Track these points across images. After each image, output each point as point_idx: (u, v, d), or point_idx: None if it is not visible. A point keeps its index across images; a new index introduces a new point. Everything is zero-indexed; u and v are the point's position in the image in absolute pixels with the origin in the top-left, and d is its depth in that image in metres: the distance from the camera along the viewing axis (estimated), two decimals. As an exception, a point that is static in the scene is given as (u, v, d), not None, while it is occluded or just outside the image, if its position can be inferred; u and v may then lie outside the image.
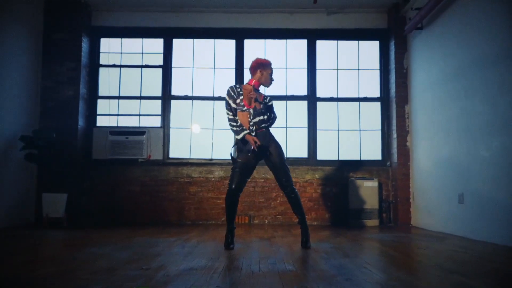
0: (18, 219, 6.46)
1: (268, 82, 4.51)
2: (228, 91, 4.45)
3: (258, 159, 4.45)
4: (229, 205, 4.37)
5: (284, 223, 7.05)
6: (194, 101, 7.42)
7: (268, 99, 4.52)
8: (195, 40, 7.53)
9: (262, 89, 4.81)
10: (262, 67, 4.48)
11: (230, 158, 4.56)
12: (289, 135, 7.37)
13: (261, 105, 4.39)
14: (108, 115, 7.43)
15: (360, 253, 4.06)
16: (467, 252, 4.13)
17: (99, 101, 7.44)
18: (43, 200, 6.45)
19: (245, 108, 4.38)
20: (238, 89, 4.43)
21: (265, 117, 4.41)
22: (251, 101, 4.39)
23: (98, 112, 7.42)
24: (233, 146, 4.51)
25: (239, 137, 4.36)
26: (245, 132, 4.34)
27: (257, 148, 4.29)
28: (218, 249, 4.25)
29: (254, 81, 4.49)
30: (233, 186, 4.31)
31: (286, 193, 4.44)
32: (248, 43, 7.50)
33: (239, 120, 4.39)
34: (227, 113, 4.44)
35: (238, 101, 4.38)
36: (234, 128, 4.39)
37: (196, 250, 4.14)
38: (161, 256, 3.78)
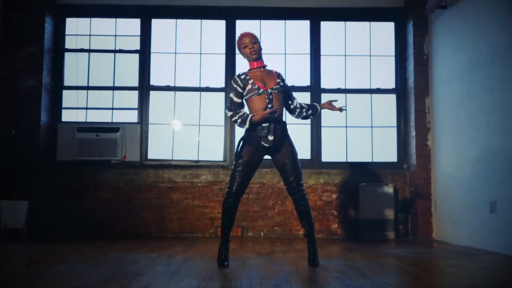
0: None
1: (250, 56, 4.40)
2: (232, 84, 4.38)
3: (265, 153, 4.41)
4: (227, 213, 4.33)
5: (283, 236, 6.95)
6: (177, 93, 7.30)
7: (282, 80, 4.48)
8: (178, 20, 7.40)
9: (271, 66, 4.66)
10: (238, 47, 4.46)
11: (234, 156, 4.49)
12: (289, 133, 7.18)
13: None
14: (76, 108, 7.29)
15: (379, 272, 3.96)
16: (503, 270, 4.05)
17: (65, 92, 7.29)
18: (1, 208, 6.29)
19: (262, 90, 4.30)
20: (243, 76, 4.37)
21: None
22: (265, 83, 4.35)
23: (64, 105, 7.27)
24: (240, 141, 4.38)
25: (246, 126, 4.26)
26: (250, 115, 4.23)
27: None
28: (210, 267, 4.15)
29: (253, 63, 4.42)
30: (234, 189, 4.26)
31: (295, 199, 4.40)
32: (241, 24, 7.37)
33: (242, 111, 4.32)
34: (227, 113, 4.37)
35: (249, 87, 4.30)
36: (239, 120, 4.28)
37: (184, 268, 4.04)
38: (143, 275, 3.66)
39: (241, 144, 4.33)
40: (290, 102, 4.61)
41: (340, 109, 4.75)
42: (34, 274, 3.74)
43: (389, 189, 6.81)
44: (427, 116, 6.94)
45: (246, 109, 4.44)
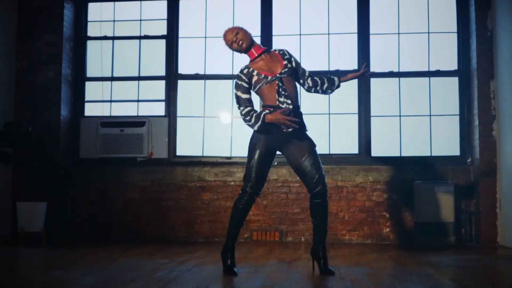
0: (-11, 234, 6.97)
1: (241, 48, 4.67)
2: (237, 82, 4.59)
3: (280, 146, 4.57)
4: (240, 213, 4.63)
5: (327, 241, 7.14)
6: (208, 81, 7.65)
7: (289, 59, 4.63)
8: (208, 0, 7.78)
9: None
10: (229, 47, 4.77)
11: None
12: (333, 123, 7.47)
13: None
14: (99, 101, 7.81)
15: (402, 281, 4.09)
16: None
17: (88, 84, 7.82)
18: (17, 210, 6.88)
19: (270, 77, 4.51)
20: (246, 70, 4.60)
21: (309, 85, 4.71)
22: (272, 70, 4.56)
23: (86, 98, 7.80)
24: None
25: (256, 127, 4.46)
26: (264, 113, 4.41)
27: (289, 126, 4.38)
28: (214, 274, 4.42)
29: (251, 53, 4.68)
30: (250, 183, 4.53)
31: (313, 194, 4.60)
32: (278, 1, 7.68)
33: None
34: (241, 111, 4.54)
35: (255, 78, 4.53)
36: (251, 119, 4.47)
37: (186, 275, 4.34)
38: (135, 282, 3.99)
39: (258, 136, 4.55)
40: (302, 81, 4.75)
41: (365, 69, 4.88)
42: (28, 280, 4.14)
43: (450, 188, 6.87)
44: (492, 102, 6.94)
45: (256, 104, 4.77)
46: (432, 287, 3.92)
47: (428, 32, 7.51)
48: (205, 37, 7.76)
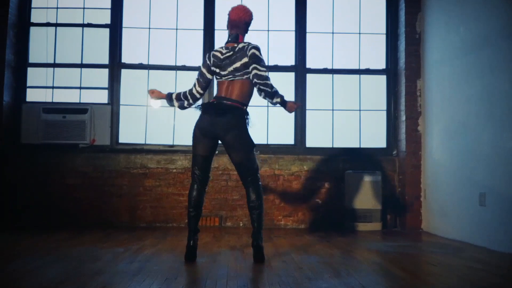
0: None
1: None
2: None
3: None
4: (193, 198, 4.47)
5: (264, 227, 6.94)
6: (151, 71, 7.29)
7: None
8: None
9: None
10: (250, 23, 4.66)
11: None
12: (271, 116, 7.31)
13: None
14: (41, 87, 7.25)
15: (355, 271, 4.00)
16: (487, 269, 4.12)
17: (30, 70, 7.25)
18: None
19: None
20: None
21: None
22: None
23: (29, 83, 7.24)
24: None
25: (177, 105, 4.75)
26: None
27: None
28: (176, 264, 4.18)
29: (242, 37, 4.57)
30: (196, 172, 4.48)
31: (248, 191, 4.55)
32: (220, -2, 7.42)
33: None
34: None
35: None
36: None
37: (149, 266, 4.07)
38: (102, 275, 3.69)
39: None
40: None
41: (298, 105, 4.99)
42: None
43: (377, 177, 6.87)
44: (418, 100, 6.97)
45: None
46: (387, 276, 3.88)
47: (359, 33, 7.44)
48: (149, 28, 7.34)
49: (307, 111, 7.29)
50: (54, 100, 7.21)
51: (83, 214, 6.95)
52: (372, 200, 6.83)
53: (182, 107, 4.73)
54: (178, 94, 4.72)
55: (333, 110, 7.33)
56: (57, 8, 7.30)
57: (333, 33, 7.40)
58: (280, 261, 4.37)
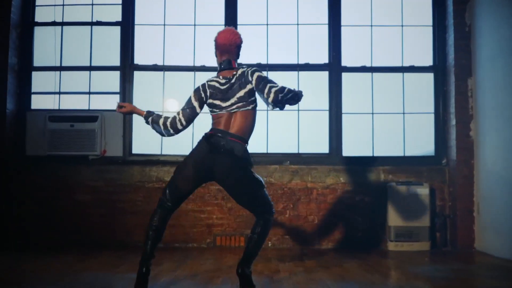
0: None
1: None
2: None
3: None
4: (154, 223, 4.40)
5: (295, 247, 6.98)
6: (167, 73, 7.31)
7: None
8: None
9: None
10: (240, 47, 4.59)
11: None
12: (302, 120, 7.29)
13: None
14: (47, 93, 7.36)
15: None
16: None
17: (34, 74, 7.36)
18: None
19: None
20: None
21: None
22: None
23: (33, 89, 7.36)
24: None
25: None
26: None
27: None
28: None
29: (235, 63, 4.54)
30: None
31: (258, 221, 4.44)
32: (244, -11, 7.43)
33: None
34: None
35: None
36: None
37: None
38: None
39: None
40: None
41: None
42: None
43: (424, 190, 6.78)
44: (470, 101, 6.86)
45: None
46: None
47: (402, 25, 7.35)
48: (164, 25, 7.38)
49: (343, 115, 7.23)
50: (61, 107, 7.31)
51: (94, 233, 7.01)
52: (418, 216, 6.75)
53: (158, 132, 4.59)
54: (158, 118, 4.52)
55: (372, 113, 7.27)
56: (63, 5, 7.39)
57: (371, 26, 7.35)
58: None
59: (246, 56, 7.20)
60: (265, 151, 7.25)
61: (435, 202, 7.02)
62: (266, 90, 4.20)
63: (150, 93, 7.33)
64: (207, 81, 4.48)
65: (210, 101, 4.41)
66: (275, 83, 4.26)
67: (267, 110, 7.18)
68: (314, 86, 7.32)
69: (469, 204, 6.80)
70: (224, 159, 4.21)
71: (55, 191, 7.10)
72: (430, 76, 7.30)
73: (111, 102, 7.27)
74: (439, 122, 7.23)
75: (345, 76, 7.30)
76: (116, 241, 6.99)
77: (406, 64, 7.31)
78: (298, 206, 7.02)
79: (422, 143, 7.28)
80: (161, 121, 4.47)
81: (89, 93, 7.34)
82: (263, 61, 7.33)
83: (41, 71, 7.39)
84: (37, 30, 7.42)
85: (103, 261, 5.71)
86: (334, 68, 7.29)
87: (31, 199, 7.08)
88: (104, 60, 7.38)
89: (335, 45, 7.32)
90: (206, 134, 4.36)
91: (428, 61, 7.32)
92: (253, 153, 6.97)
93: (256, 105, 4.42)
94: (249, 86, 4.33)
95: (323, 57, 7.34)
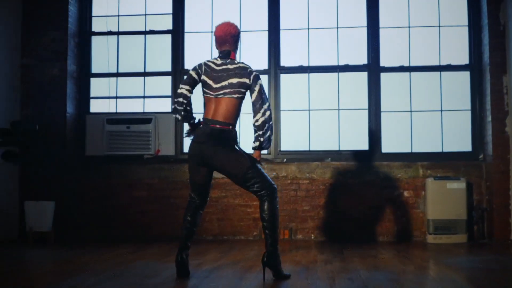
0: (-2, 234, 6.96)
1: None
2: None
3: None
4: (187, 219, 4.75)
5: (336, 239, 7.21)
6: (215, 77, 7.75)
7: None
8: None
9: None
10: (240, 37, 4.83)
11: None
12: (343, 119, 7.51)
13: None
14: (105, 98, 7.84)
15: None
16: None
17: (93, 80, 7.85)
18: (25, 210, 6.94)
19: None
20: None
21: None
22: None
23: (92, 94, 7.83)
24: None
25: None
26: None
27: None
28: (235, 280, 4.44)
29: (234, 54, 4.78)
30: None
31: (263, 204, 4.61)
32: (285, -2, 7.66)
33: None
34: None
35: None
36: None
37: (205, 282, 4.34)
38: None
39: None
40: None
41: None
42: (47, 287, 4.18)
43: (461, 184, 6.91)
44: (505, 98, 6.94)
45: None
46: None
47: (439, 26, 7.50)
48: (212, 32, 7.66)
49: (382, 114, 7.43)
50: (117, 110, 7.77)
51: (148, 227, 7.43)
52: (456, 209, 6.89)
53: (183, 117, 4.74)
54: (177, 111, 4.75)
55: (411, 111, 7.44)
56: (118, 16, 7.85)
57: (409, 27, 7.51)
58: (345, 279, 4.49)
59: (289, 59, 7.62)
60: (307, 149, 7.55)
61: (472, 196, 7.14)
62: (257, 115, 4.58)
63: (199, 96, 7.73)
64: (205, 61, 4.75)
65: (203, 77, 4.66)
66: (267, 108, 4.58)
67: (309, 110, 7.62)
68: (354, 86, 7.55)
69: (505, 198, 6.89)
70: (207, 144, 4.50)
71: (113, 189, 7.54)
72: (466, 75, 7.42)
73: (163, 105, 7.73)
74: (476, 119, 7.34)
75: (383, 76, 7.49)
76: (169, 234, 7.32)
77: (443, 63, 7.45)
78: (339, 201, 7.27)
79: (459, 139, 7.40)
80: (177, 107, 4.72)
81: (144, 97, 7.78)
82: (305, 63, 7.61)
83: (99, 77, 7.87)
84: (94, 39, 7.90)
85: (155, 253, 6.08)
86: (373, 68, 7.49)
87: (90, 196, 7.55)
88: (157, 66, 7.79)
89: (373, 46, 7.52)
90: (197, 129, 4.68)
91: (464, 59, 7.43)
92: (296, 151, 7.50)
93: (243, 98, 4.65)
94: (245, 80, 4.58)
95: (362, 58, 7.55)
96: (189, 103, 4.72)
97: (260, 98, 4.58)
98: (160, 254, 5.99)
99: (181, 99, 4.66)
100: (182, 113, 4.67)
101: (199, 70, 4.70)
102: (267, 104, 4.62)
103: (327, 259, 5.61)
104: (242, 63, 4.71)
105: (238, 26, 4.82)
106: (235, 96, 4.60)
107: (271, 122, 4.64)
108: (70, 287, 4.23)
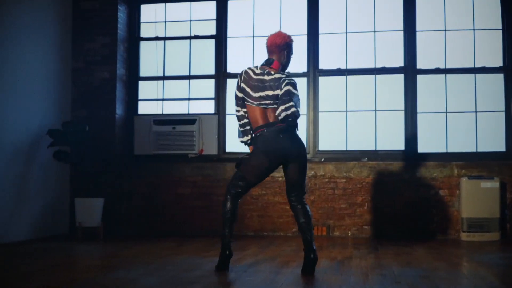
0: (49, 229, 7.39)
1: (288, 64, 4.95)
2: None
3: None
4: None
5: (372, 237, 7.45)
6: (256, 80, 8.08)
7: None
8: (256, 0, 8.06)
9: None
10: (290, 47, 4.91)
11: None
12: (379, 120, 7.70)
13: None
14: (152, 100, 8.20)
15: (454, 286, 4.21)
16: None
17: (141, 83, 8.21)
18: (76, 206, 7.26)
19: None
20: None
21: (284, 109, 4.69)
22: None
23: (140, 97, 8.20)
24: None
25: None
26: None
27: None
28: (271, 275, 4.60)
29: (278, 63, 4.85)
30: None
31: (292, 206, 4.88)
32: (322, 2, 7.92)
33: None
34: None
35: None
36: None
37: (243, 276, 4.53)
38: (196, 285, 4.16)
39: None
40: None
41: None
42: (91, 280, 4.41)
43: (495, 184, 7.05)
44: None
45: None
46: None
47: (474, 29, 7.62)
48: (253, 37, 8.03)
49: (418, 114, 7.60)
50: (164, 112, 8.11)
51: (192, 223, 7.75)
52: (489, 208, 7.04)
53: (241, 135, 5.03)
54: (244, 133, 5.03)
55: (446, 112, 7.59)
56: (165, 22, 8.19)
57: (445, 30, 7.66)
58: (378, 275, 4.64)
59: (327, 62, 7.82)
60: (344, 149, 7.78)
61: (505, 195, 7.26)
62: (281, 107, 4.67)
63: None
64: (246, 68, 4.90)
65: (242, 85, 4.81)
66: (296, 104, 4.67)
67: (346, 111, 7.94)
68: (390, 87, 7.71)
69: (538, 197, 6.93)
70: (288, 142, 4.76)
71: (160, 186, 7.88)
72: (500, 77, 7.54)
73: (207, 107, 8.07)
74: (509, 120, 7.44)
75: (420, 77, 7.66)
76: (211, 230, 7.64)
77: (477, 65, 7.59)
78: (375, 199, 7.48)
79: (493, 139, 7.53)
80: (241, 128, 5.03)
81: (188, 99, 8.12)
82: (343, 66, 7.82)
83: (147, 80, 8.23)
84: (143, 44, 8.26)
85: (197, 247, 6.35)
86: (409, 70, 7.66)
87: (137, 193, 7.91)
88: (201, 70, 8.11)
89: (410, 49, 7.68)
90: (255, 135, 4.84)
91: (498, 62, 7.54)
92: (334, 150, 7.69)
93: None
94: (277, 92, 4.66)
95: (399, 61, 7.73)
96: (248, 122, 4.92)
97: (288, 95, 4.64)
98: (202, 249, 6.22)
99: (242, 121, 4.96)
100: (248, 134, 4.96)
101: (239, 81, 4.87)
102: (296, 103, 4.68)
103: (362, 255, 5.79)
104: (280, 72, 4.78)
105: (288, 36, 4.92)
106: (272, 107, 4.76)
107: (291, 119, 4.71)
108: (114, 279, 4.44)
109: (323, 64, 7.94)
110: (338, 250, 6.25)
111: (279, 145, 4.71)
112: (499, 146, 7.57)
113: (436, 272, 4.84)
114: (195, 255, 5.75)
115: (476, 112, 7.64)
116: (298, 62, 7.91)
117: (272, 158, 4.74)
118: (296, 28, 7.97)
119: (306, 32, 8.02)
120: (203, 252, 5.98)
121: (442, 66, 7.74)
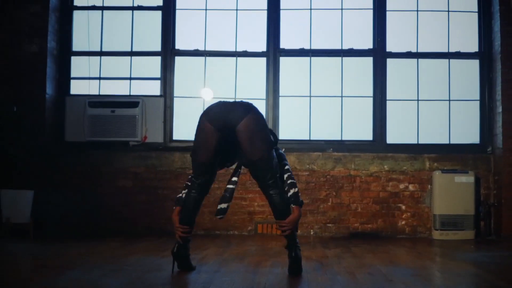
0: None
1: None
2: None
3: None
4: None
5: (338, 235, 7.28)
6: (208, 58, 7.59)
7: None
8: None
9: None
10: None
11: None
12: (346, 107, 7.54)
13: None
14: (87, 78, 7.71)
15: (456, 284, 4.15)
16: None
17: (74, 59, 7.72)
18: (1, 199, 6.80)
19: None
20: None
21: None
22: None
23: (73, 74, 7.70)
24: None
25: None
26: None
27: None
28: (249, 275, 4.45)
29: None
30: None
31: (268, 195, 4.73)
32: (286, -26, 7.72)
33: None
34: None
35: None
36: None
37: (218, 276, 4.37)
38: (171, 286, 3.99)
39: None
40: None
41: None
42: (45, 282, 4.07)
43: (469, 178, 7.02)
44: None
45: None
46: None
47: (448, 11, 7.60)
48: (206, 9, 7.73)
49: (387, 102, 7.49)
50: (100, 93, 7.66)
51: (135, 220, 7.38)
52: (463, 204, 6.99)
53: None
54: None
55: (418, 100, 7.53)
56: None
57: (417, 11, 7.59)
58: (365, 274, 4.55)
59: (290, 42, 7.62)
60: (308, 138, 7.56)
61: (480, 190, 7.26)
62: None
63: (191, 78, 7.64)
64: None
65: None
66: None
67: (310, 96, 7.49)
68: (358, 72, 7.62)
69: (515, 193, 7.11)
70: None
71: (96, 178, 7.46)
72: (475, 63, 7.54)
73: (152, 88, 7.62)
74: (485, 110, 7.47)
75: (389, 62, 7.55)
76: (157, 228, 7.32)
77: (452, 50, 7.56)
78: (341, 194, 7.32)
79: (467, 130, 7.53)
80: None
81: (130, 78, 7.69)
82: (306, 46, 7.63)
83: (81, 56, 7.75)
84: (76, 14, 7.78)
85: (147, 247, 6.04)
86: (379, 53, 7.56)
87: (71, 185, 7.44)
88: (145, 45, 7.72)
89: (380, 30, 7.58)
90: None
91: (474, 47, 7.55)
92: (296, 140, 7.53)
93: None
94: None
95: (368, 43, 7.62)
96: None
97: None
98: (155, 249, 5.95)
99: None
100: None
101: None
102: None
103: (337, 255, 5.66)
104: None
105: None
106: None
107: None
108: (74, 279, 4.21)
109: (284, 44, 7.77)
110: (308, 250, 6.02)
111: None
112: (474, 137, 7.64)
113: (426, 270, 4.85)
114: (150, 255, 5.49)
115: (449, 100, 7.67)
116: (256, 40, 7.73)
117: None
118: (255, 2, 7.78)
119: (266, 7, 7.79)
120: (158, 252, 5.72)
121: (414, 50, 7.71)
